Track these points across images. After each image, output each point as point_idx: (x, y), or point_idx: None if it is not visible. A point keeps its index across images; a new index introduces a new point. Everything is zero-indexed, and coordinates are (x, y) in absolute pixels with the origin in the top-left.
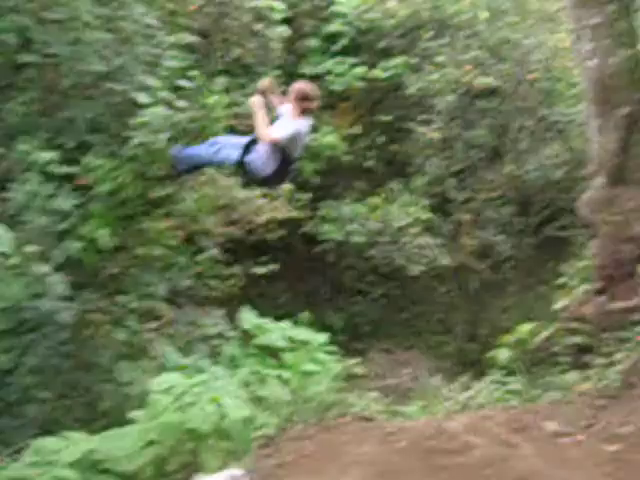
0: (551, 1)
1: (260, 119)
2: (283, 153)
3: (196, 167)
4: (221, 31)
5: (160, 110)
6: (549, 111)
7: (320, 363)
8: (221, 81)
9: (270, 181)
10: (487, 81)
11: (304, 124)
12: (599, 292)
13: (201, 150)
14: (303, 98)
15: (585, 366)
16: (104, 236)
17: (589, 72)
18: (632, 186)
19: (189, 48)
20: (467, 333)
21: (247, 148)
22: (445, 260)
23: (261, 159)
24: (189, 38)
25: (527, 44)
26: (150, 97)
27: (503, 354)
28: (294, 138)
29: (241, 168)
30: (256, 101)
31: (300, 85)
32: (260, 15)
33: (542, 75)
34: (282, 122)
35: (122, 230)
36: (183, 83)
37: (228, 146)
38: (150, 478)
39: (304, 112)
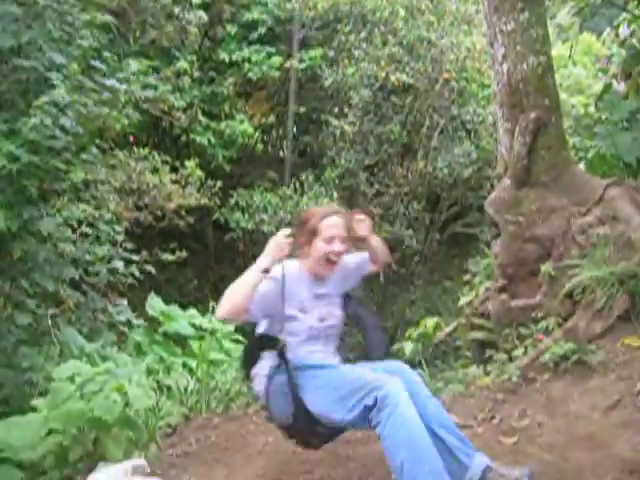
0: (467, 4)
1: None
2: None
3: None
4: (138, 12)
5: (63, 91)
6: (461, 110)
7: (227, 352)
8: (138, 65)
9: None
10: (402, 78)
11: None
12: (501, 289)
13: None
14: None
15: (487, 361)
16: (2, 218)
17: (501, 76)
18: (537, 188)
19: (104, 27)
20: None
21: None
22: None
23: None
24: (104, 17)
25: (442, 44)
26: (61, 76)
27: (408, 347)
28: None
29: None
30: None
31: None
32: None
33: (456, 75)
34: None
35: (21, 214)
36: (95, 64)
37: None
38: (51, 467)
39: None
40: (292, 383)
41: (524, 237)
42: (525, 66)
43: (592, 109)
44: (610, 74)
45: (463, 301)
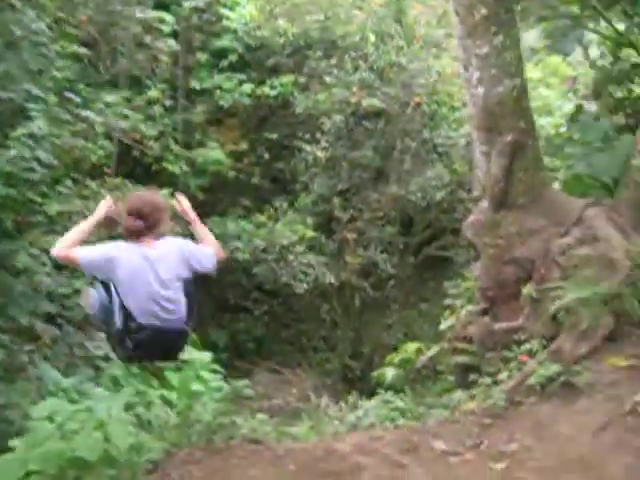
0: (436, 28)
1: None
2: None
3: None
4: (109, 41)
5: (42, 123)
6: (432, 134)
7: (205, 383)
8: (111, 96)
9: None
10: (374, 103)
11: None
12: (483, 313)
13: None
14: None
15: (470, 385)
16: None
17: (476, 100)
18: (514, 210)
19: (75, 57)
20: (350, 350)
21: None
22: (329, 278)
23: None
24: (76, 47)
25: (413, 68)
26: (39, 107)
27: (389, 373)
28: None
29: None
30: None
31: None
32: (149, 27)
33: (426, 99)
34: None
35: None
36: (70, 95)
37: None
38: None
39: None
40: None
41: (504, 259)
42: (500, 89)
43: (563, 129)
44: (580, 95)
45: (444, 325)
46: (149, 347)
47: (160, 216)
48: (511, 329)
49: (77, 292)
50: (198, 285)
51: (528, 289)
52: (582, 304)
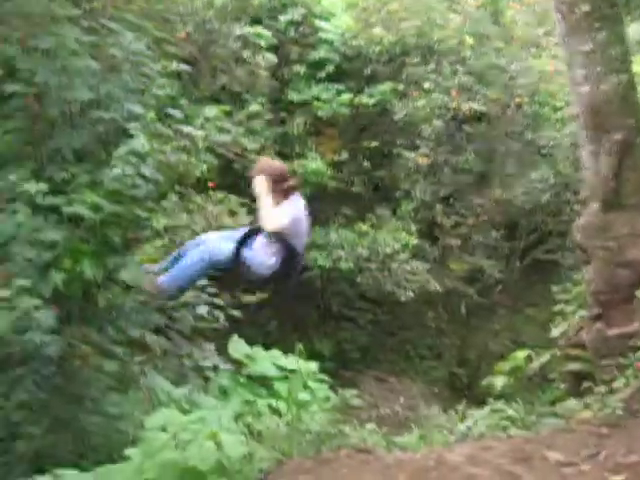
0: (535, 27)
1: (267, 204)
2: (287, 245)
3: (188, 287)
4: (208, 58)
5: (143, 140)
6: (535, 135)
7: (312, 392)
8: (213, 111)
9: (274, 281)
10: (474, 106)
11: (300, 206)
12: (596, 318)
13: (187, 264)
14: (282, 179)
15: (584, 393)
16: (88, 267)
17: (582, 98)
18: (626, 211)
19: (176, 75)
20: (457, 358)
21: (243, 242)
22: (434, 285)
23: (262, 255)
24: (177, 66)
25: (512, 69)
26: (139, 125)
27: (499, 381)
28: (296, 224)
29: (237, 268)
30: (261, 183)
31: (271, 165)
32: (247, 42)
33: (528, 100)
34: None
35: (106, 263)
36: (171, 112)
37: (218, 241)
38: None
39: (287, 193)
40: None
41: (616, 262)
42: (607, 86)
43: None
44: None
45: (556, 332)
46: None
47: None
48: (626, 335)
49: (185, 305)
50: (302, 295)
51: None
52: None
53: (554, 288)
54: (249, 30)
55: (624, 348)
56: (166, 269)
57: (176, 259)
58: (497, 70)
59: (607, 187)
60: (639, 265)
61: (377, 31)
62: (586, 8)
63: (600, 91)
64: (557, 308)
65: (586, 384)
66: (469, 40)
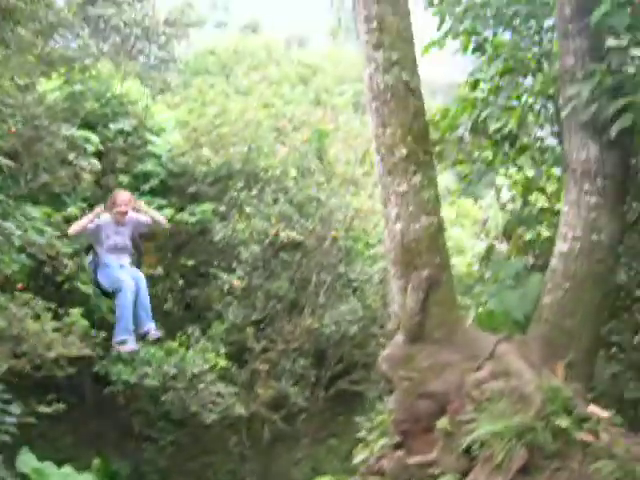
0: (355, 166)
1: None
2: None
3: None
4: (32, 155)
5: None
6: (348, 268)
7: None
8: (35, 211)
9: None
10: (292, 235)
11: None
12: (397, 446)
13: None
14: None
15: None
16: None
17: (394, 235)
18: (429, 344)
19: None
20: None
21: None
22: (239, 409)
23: None
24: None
25: (331, 203)
26: None
27: None
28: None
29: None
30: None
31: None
32: (74, 144)
33: (343, 234)
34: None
35: None
36: None
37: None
38: None
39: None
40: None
41: (418, 393)
42: (417, 226)
43: (475, 268)
44: (491, 236)
45: (357, 459)
46: None
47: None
48: (425, 463)
49: None
50: (102, 410)
51: (442, 423)
52: (495, 438)
53: (358, 418)
54: (78, 133)
55: (423, 476)
56: None
57: None
58: (317, 203)
59: (413, 320)
60: (440, 396)
61: (205, 152)
62: (403, 152)
63: (411, 230)
64: (359, 435)
65: None
66: (293, 172)
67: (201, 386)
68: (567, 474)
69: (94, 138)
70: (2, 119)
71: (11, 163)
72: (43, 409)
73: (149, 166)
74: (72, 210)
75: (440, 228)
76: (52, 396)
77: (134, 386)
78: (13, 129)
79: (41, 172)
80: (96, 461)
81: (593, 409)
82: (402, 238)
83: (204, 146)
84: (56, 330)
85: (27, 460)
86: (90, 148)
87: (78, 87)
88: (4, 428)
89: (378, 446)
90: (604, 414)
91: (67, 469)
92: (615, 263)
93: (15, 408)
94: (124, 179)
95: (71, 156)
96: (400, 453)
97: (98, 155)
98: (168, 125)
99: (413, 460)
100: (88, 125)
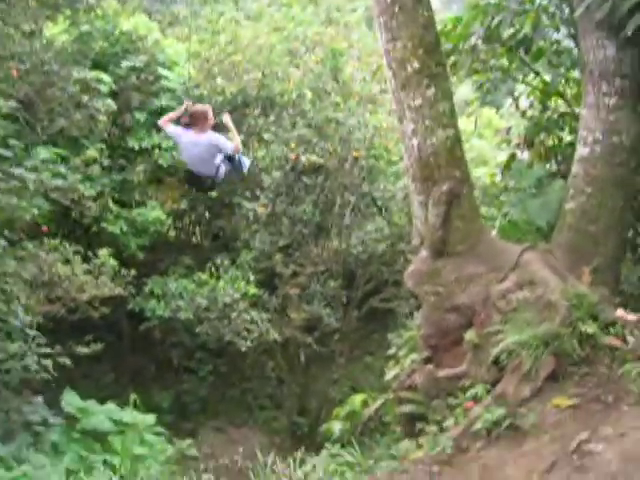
0: (372, 84)
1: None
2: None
3: None
4: (46, 101)
5: None
6: (371, 187)
7: (149, 445)
8: (45, 153)
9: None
10: (312, 158)
11: None
12: (426, 361)
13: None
14: None
15: (418, 434)
16: None
17: (411, 151)
18: (453, 258)
19: (10, 116)
20: (297, 407)
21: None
22: (273, 334)
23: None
24: (10, 105)
25: (350, 123)
26: None
27: (336, 426)
28: None
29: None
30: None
31: None
32: (87, 87)
33: (364, 153)
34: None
35: None
36: (2, 152)
37: None
38: None
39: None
40: None
41: (445, 307)
42: (434, 140)
43: (498, 179)
44: (513, 144)
45: (389, 375)
46: None
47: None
48: (455, 376)
49: (13, 356)
50: (140, 347)
51: (470, 335)
52: (523, 347)
53: (389, 335)
54: (89, 74)
55: (454, 389)
56: None
57: None
58: (335, 124)
59: (435, 235)
60: (467, 309)
61: (219, 82)
62: (416, 65)
63: (428, 144)
64: (390, 352)
65: (419, 425)
66: (309, 94)
67: (234, 315)
68: (595, 379)
69: (106, 78)
70: (7, 67)
71: (24, 110)
72: (82, 350)
73: (164, 101)
74: (90, 152)
75: (458, 140)
76: (90, 337)
77: (169, 320)
78: (15, 71)
79: (56, 117)
80: (135, 396)
81: (620, 313)
82: (420, 153)
83: (218, 76)
84: (87, 272)
85: (71, 400)
86: (103, 89)
87: (85, 28)
88: (43, 367)
89: (408, 362)
90: (631, 317)
91: (110, 406)
92: (637, 165)
93: (50, 350)
94: (140, 116)
95: (85, 98)
96: (430, 367)
97: (112, 95)
98: (180, 58)
99: (443, 373)
100: (99, 66)
